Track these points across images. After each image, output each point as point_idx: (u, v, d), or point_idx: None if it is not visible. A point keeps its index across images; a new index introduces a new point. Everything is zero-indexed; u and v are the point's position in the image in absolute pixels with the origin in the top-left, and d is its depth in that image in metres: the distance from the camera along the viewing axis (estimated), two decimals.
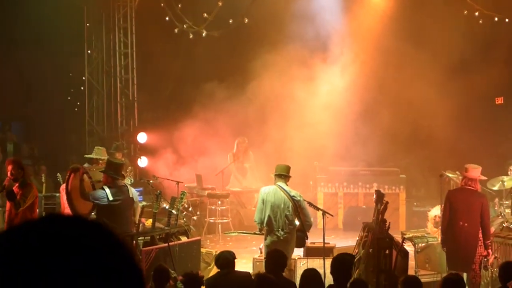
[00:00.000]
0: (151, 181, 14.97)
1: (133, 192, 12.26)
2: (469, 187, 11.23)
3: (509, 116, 16.15)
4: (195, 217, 16.26)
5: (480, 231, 11.06)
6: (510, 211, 13.66)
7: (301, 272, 10.57)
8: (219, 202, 16.65)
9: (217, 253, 12.53)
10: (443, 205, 11.64)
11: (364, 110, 17.25)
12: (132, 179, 14.61)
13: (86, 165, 13.36)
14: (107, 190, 11.41)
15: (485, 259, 11.09)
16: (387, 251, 9.80)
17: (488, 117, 16.39)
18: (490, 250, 11.39)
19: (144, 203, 13.94)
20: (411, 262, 11.48)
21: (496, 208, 14.38)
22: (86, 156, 13.86)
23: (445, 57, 16.51)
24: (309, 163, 17.48)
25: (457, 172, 14.19)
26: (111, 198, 11.35)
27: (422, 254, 12.00)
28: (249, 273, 9.84)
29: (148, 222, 13.18)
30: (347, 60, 17.46)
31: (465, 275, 10.69)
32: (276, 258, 8.84)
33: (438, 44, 16.70)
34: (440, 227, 11.74)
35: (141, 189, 14.90)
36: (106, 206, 11.39)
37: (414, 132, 17.16)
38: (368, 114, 17.30)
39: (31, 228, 1.37)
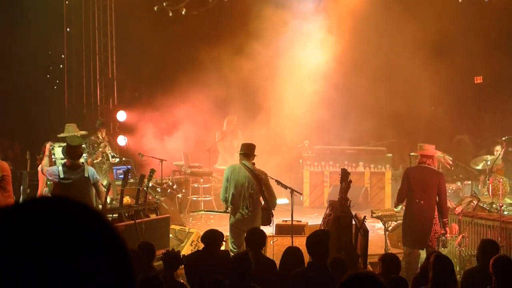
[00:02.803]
0: (143, 155, 15.32)
1: (90, 171, 12.05)
2: (426, 165, 11.20)
3: (488, 95, 16.29)
4: (179, 195, 16.29)
5: (437, 209, 11.07)
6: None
7: (272, 250, 11.16)
8: (201, 180, 16.71)
9: (189, 230, 12.97)
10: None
11: (345, 88, 17.22)
12: (113, 154, 14.79)
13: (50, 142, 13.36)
14: (60, 168, 11.52)
15: (443, 237, 11.11)
16: (351, 230, 9.86)
17: (468, 95, 16.49)
18: (447, 228, 11.36)
19: (105, 182, 13.86)
20: (383, 240, 11.77)
21: (479, 188, 14.53)
22: (59, 135, 13.77)
23: (427, 36, 16.54)
24: (300, 141, 17.56)
25: (439, 151, 13.75)
26: (61, 176, 11.39)
27: (395, 233, 12.04)
28: (228, 251, 9.94)
29: (126, 199, 13.08)
30: (329, 38, 17.37)
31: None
32: (255, 236, 8.87)
33: (420, 23, 16.47)
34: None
35: (129, 166, 14.68)
36: (58, 183, 11.44)
37: (397, 110, 17.11)
38: (348, 92, 17.25)
39: (15, 214, 1.37)
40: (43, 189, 13.22)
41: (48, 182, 13.08)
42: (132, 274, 1.40)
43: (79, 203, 1.42)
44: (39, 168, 12.98)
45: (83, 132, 13.77)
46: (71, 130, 13.63)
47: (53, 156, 12.77)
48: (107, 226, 1.39)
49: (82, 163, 12.10)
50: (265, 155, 15.84)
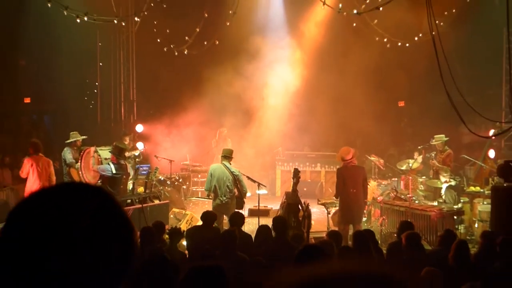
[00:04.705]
0: (158, 157, 15.23)
1: (129, 168, 12.59)
2: (352, 164, 11.62)
3: (408, 116, 16.40)
4: (184, 186, 16.36)
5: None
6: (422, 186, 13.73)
7: (248, 227, 11.24)
8: (199, 176, 16.79)
9: (186, 212, 13.20)
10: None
11: (308, 106, 17.37)
12: (137, 153, 14.61)
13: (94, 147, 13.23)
14: (112, 166, 11.87)
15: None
16: (299, 214, 10.20)
17: (394, 115, 16.57)
18: (367, 207, 12.01)
19: (131, 173, 13.81)
20: (326, 221, 12.01)
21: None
22: (67, 141, 13.42)
23: (364, 69, 16.53)
24: (275, 147, 17.64)
25: (374, 156, 14.75)
26: (114, 171, 11.84)
27: (335, 216, 12.15)
28: (218, 228, 9.76)
29: (140, 189, 13.39)
30: (296, 65, 17.45)
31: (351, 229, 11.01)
32: (238, 217, 9.13)
33: (359, 58, 16.47)
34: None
35: (148, 165, 14.64)
36: (109, 177, 11.83)
37: (344, 124, 17.22)
38: (309, 109, 17.34)
39: (54, 190, 1.38)
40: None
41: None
42: (132, 234, 1.39)
43: (96, 188, 1.41)
44: (79, 164, 12.90)
45: (84, 137, 13.55)
46: (74, 136, 13.36)
47: (99, 157, 12.69)
48: (116, 205, 1.39)
49: (124, 162, 12.41)
50: (250, 157, 16.50)
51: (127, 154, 13.25)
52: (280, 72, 17.41)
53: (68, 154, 13.16)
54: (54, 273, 1.26)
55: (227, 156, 11.93)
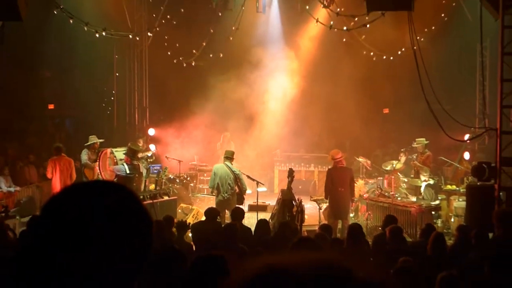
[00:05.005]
0: (168, 157, 15.22)
1: (142, 168, 12.56)
2: (340, 165, 11.66)
3: (392, 121, 16.18)
4: (192, 184, 16.28)
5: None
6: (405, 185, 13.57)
7: (248, 221, 10.95)
8: (205, 175, 16.51)
9: (192, 207, 13.16)
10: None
11: (303, 112, 17.15)
12: (150, 154, 14.45)
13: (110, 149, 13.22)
14: (126, 166, 11.85)
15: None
16: (294, 209, 10.23)
17: (380, 121, 16.48)
18: (353, 204, 11.98)
19: (144, 172, 13.34)
20: (318, 215, 11.99)
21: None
22: (86, 144, 13.45)
23: (353, 79, 16.45)
24: (274, 149, 17.50)
25: (362, 157, 14.66)
26: (128, 172, 11.82)
27: (326, 211, 12.11)
28: (220, 222, 9.71)
29: (152, 187, 13.36)
30: (294, 75, 17.31)
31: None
32: (238, 212, 9.07)
33: (349, 70, 16.54)
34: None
35: (160, 165, 14.88)
36: (124, 176, 11.79)
37: (335, 129, 17.21)
38: (304, 115, 17.14)
39: (87, 186, 1.37)
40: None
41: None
42: (151, 234, 1.36)
43: (119, 185, 1.39)
44: (98, 165, 12.87)
45: (101, 140, 13.57)
46: (93, 139, 13.36)
47: (115, 158, 12.71)
48: (138, 202, 1.37)
49: (137, 162, 12.33)
50: (251, 158, 16.37)
51: (140, 155, 13.16)
52: (278, 80, 17.35)
53: (84, 156, 13.18)
54: (78, 266, 1.24)
55: (229, 157, 11.97)
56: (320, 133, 17.17)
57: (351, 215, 12.48)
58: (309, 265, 0.82)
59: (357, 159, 14.80)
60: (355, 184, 13.33)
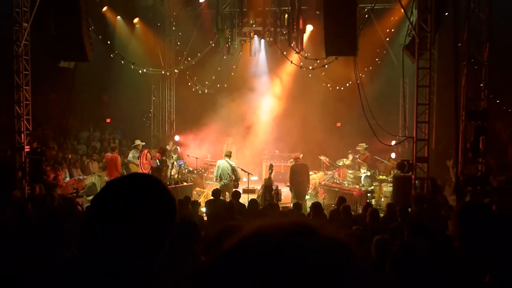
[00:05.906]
0: (189, 155, 14.89)
1: (169, 162, 12.35)
2: (300, 162, 11.56)
3: (343, 132, 15.95)
4: (205, 174, 15.85)
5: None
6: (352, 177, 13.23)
7: (242, 200, 9.97)
8: (214, 168, 16.28)
9: (204, 190, 12.93)
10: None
11: (283, 124, 16.72)
12: (175, 155, 14.22)
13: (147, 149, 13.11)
14: (157, 161, 11.81)
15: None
16: (272, 192, 10.24)
17: (334, 133, 15.99)
18: (311, 189, 11.91)
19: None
20: (290, 197, 11.67)
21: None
22: (132, 145, 13.34)
23: (317, 102, 16.12)
24: (262, 150, 17.04)
25: (323, 156, 14.52)
26: (158, 164, 11.77)
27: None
28: (224, 200, 9.53)
29: (175, 176, 12.99)
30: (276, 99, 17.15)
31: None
32: (236, 194, 8.89)
33: (314, 95, 16.36)
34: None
35: (183, 161, 14.60)
36: (156, 168, 11.71)
37: (303, 135, 16.52)
38: (284, 126, 16.67)
39: (129, 178, 1.33)
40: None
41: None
42: (175, 209, 1.32)
43: (151, 176, 1.36)
44: (140, 160, 12.58)
45: (143, 143, 13.27)
46: (138, 142, 13.22)
47: (150, 155, 12.59)
48: (164, 187, 1.32)
49: (165, 158, 12.18)
50: (247, 156, 16.11)
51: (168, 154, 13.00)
52: (267, 101, 17.17)
53: (130, 154, 12.98)
54: (122, 231, 1.20)
55: (228, 155, 11.85)
56: (295, 139, 16.71)
57: (311, 196, 12.27)
58: (282, 226, 0.78)
59: (320, 157, 14.68)
60: (316, 175, 13.56)
